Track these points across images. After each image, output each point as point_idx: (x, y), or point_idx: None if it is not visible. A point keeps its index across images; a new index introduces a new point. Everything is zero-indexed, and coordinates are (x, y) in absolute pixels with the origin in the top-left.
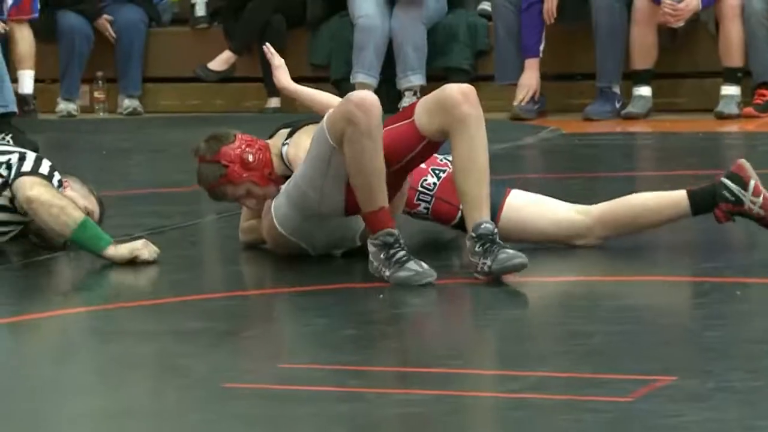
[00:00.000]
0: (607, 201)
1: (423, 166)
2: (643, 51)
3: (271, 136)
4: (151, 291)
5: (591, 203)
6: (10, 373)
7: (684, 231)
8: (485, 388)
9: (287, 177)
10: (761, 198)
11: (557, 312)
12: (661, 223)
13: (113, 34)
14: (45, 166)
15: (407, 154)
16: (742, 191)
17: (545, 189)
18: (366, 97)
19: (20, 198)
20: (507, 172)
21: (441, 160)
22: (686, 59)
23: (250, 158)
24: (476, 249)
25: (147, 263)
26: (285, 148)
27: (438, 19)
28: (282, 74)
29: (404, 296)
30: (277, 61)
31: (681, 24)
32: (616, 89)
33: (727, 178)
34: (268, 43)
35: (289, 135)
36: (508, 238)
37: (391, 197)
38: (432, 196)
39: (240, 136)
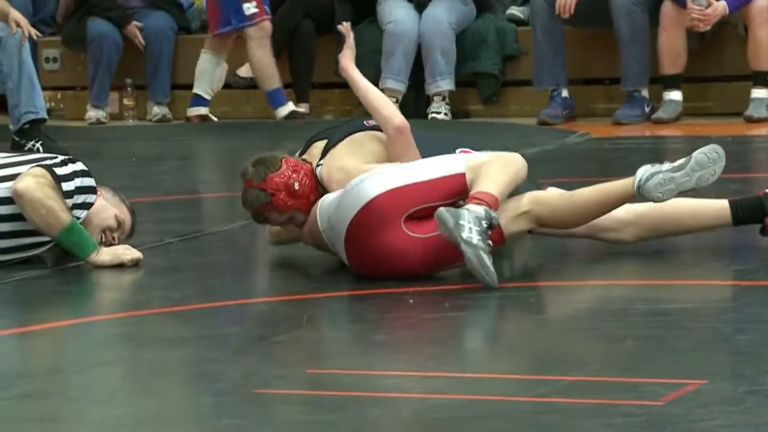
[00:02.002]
0: (646, 203)
1: None
2: (673, 56)
3: (304, 150)
4: (182, 297)
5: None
6: (43, 380)
7: (715, 233)
8: (516, 393)
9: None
10: None
11: (589, 316)
12: (699, 230)
13: (142, 41)
14: (64, 167)
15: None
16: None
17: None
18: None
19: (12, 191)
20: (536, 176)
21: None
22: (715, 63)
23: (297, 186)
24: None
25: (132, 266)
26: (319, 169)
27: (467, 24)
28: (348, 56)
29: (434, 301)
30: (350, 42)
31: (708, 28)
32: (645, 93)
33: None
34: (345, 23)
35: (323, 153)
36: (546, 231)
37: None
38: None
39: (286, 160)
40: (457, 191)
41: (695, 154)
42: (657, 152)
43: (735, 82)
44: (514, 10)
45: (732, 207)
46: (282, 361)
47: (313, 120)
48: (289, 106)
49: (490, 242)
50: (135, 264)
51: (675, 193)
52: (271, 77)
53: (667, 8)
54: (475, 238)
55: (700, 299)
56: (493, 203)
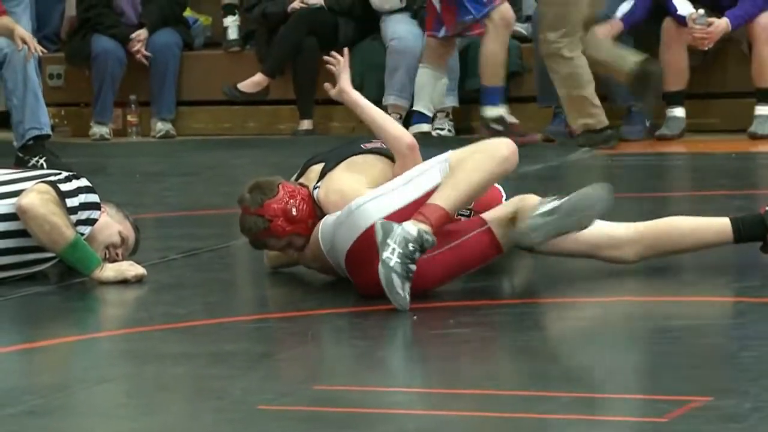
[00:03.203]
0: (648, 221)
1: None
2: (675, 73)
3: (300, 174)
4: (185, 313)
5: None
6: (48, 396)
7: (719, 250)
8: (519, 409)
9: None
10: None
11: (592, 332)
12: (700, 248)
13: (147, 54)
14: (68, 183)
15: (462, 237)
16: None
17: None
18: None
19: (16, 207)
20: (540, 192)
21: None
22: (718, 79)
23: (294, 212)
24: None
25: (136, 282)
26: (316, 192)
27: (470, 41)
28: (347, 79)
29: (438, 318)
30: (346, 64)
31: (711, 46)
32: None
33: None
34: (344, 51)
35: (321, 176)
36: (546, 248)
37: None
38: (470, 209)
39: (283, 186)
40: (473, 228)
41: (565, 201)
42: (661, 168)
43: (739, 99)
44: (518, 27)
45: (733, 224)
46: (286, 378)
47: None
48: (500, 110)
49: (413, 266)
50: (139, 280)
51: (552, 234)
52: (497, 75)
53: (669, 25)
54: (394, 261)
55: (705, 316)
56: (438, 221)
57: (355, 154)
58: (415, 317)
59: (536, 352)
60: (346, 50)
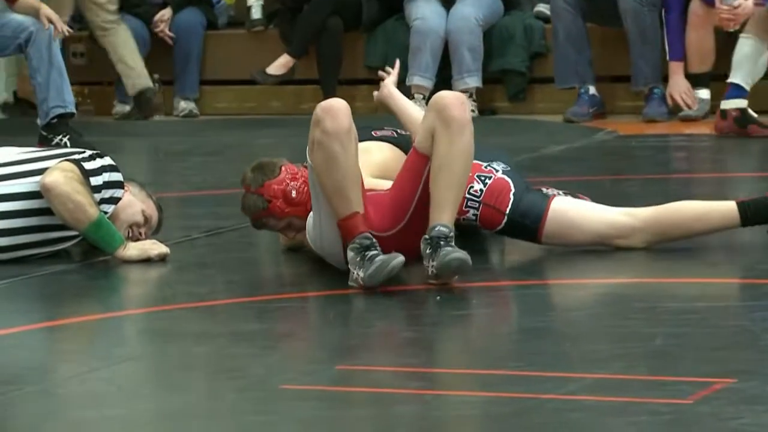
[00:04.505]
0: (656, 206)
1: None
2: (701, 54)
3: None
4: (207, 292)
5: (647, 205)
6: (70, 375)
7: (740, 231)
8: (543, 390)
9: None
10: None
11: (616, 313)
12: (708, 232)
13: (171, 35)
14: (92, 162)
15: (419, 182)
16: None
17: (601, 191)
18: (333, 102)
19: (40, 185)
20: (563, 174)
21: (485, 167)
22: None
23: (294, 194)
24: (427, 251)
25: (159, 261)
26: None
27: (494, 21)
28: (393, 78)
29: (461, 299)
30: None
31: (738, 27)
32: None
33: None
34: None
35: None
36: (553, 240)
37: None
38: (479, 202)
39: (285, 167)
40: (418, 168)
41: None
42: (685, 150)
43: (762, 80)
44: (542, 8)
45: (740, 208)
46: (308, 357)
47: None
48: (739, 102)
49: (373, 255)
50: (162, 259)
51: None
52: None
53: (696, 7)
54: (361, 273)
55: (728, 297)
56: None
57: (365, 140)
58: (438, 298)
59: (559, 333)
60: (397, 62)
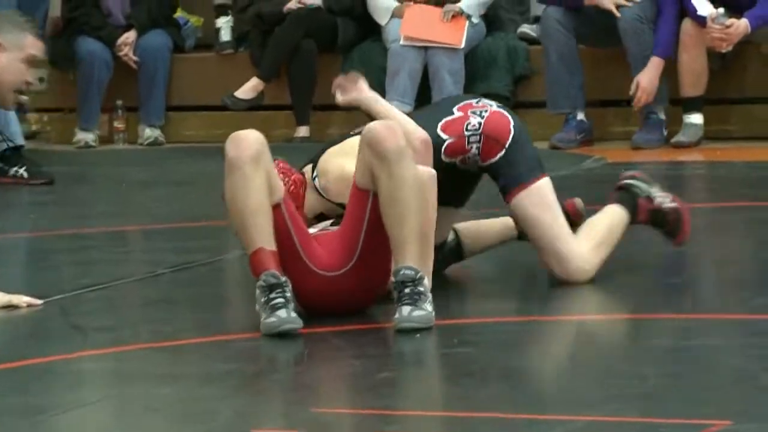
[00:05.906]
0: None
1: (460, 113)
2: (694, 77)
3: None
4: (173, 331)
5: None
6: (29, 418)
7: (732, 265)
8: None
9: (323, 216)
10: None
11: (607, 351)
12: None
13: (135, 59)
14: None
15: (363, 218)
16: None
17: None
18: (241, 131)
19: None
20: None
21: (477, 102)
22: (737, 84)
23: None
24: (394, 296)
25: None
26: (316, 181)
27: (476, 43)
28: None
29: (442, 336)
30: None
31: (730, 48)
32: (662, 115)
33: None
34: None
35: (313, 168)
36: (515, 212)
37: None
38: (480, 134)
39: (278, 163)
40: (361, 204)
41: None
42: (677, 178)
43: (758, 104)
44: (526, 29)
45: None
46: (281, 399)
47: None
48: None
49: (276, 303)
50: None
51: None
52: None
53: (687, 27)
54: (263, 317)
55: (722, 335)
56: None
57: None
58: (417, 335)
59: (545, 374)
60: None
